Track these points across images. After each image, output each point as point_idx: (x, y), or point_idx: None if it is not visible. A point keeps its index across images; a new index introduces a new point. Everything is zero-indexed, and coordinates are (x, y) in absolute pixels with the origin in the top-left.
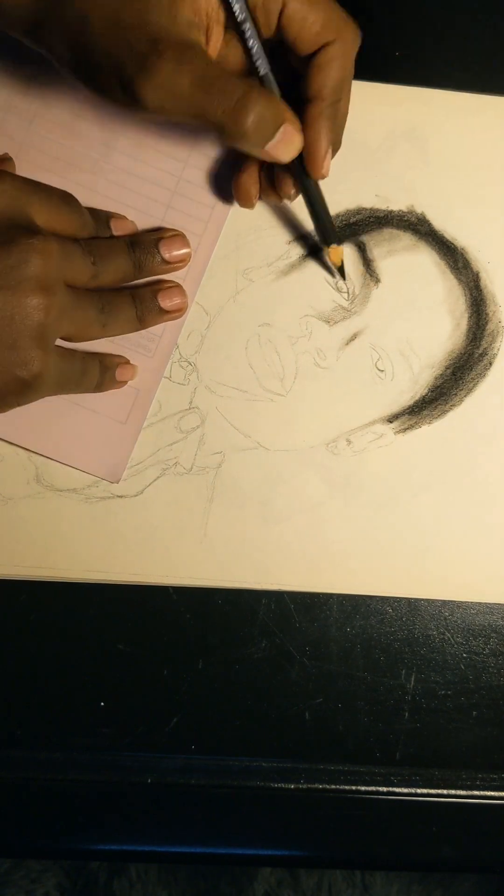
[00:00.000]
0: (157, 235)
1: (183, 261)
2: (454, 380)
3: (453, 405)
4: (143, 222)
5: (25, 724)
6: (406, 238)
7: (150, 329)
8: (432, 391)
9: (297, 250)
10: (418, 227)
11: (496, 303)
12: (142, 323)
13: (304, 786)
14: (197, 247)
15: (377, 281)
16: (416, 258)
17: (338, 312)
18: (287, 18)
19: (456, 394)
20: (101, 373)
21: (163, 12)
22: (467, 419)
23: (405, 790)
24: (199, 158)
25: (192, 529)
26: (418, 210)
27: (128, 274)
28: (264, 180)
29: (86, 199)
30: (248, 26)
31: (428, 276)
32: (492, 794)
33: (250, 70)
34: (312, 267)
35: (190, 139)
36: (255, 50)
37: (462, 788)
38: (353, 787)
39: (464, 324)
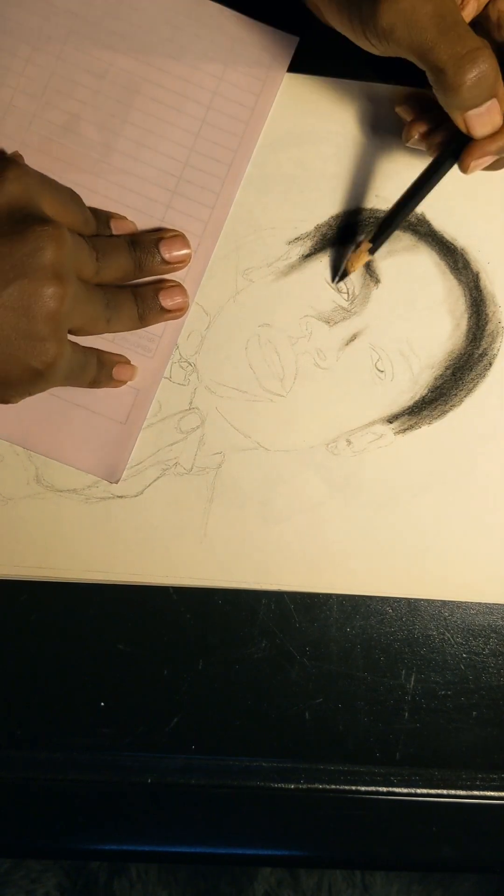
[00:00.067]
0: (157, 235)
1: (183, 261)
2: (454, 380)
3: (453, 405)
4: (143, 222)
5: (25, 724)
6: (406, 238)
7: (150, 329)
8: (432, 391)
9: (296, 251)
10: (418, 228)
11: (496, 303)
12: (143, 321)
13: (304, 786)
14: (197, 247)
15: (377, 281)
16: (415, 258)
17: (338, 313)
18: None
19: (456, 394)
20: (98, 368)
21: None
22: (467, 419)
23: (405, 790)
24: (200, 159)
25: (192, 529)
26: (418, 210)
27: (128, 272)
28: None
29: (86, 199)
30: None
31: (428, 277)
32: (492, 794)
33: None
34: (312, 267)
35: (190, 139)
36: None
37: (462, 788)
38: (353, 787)
39: (464, 324)
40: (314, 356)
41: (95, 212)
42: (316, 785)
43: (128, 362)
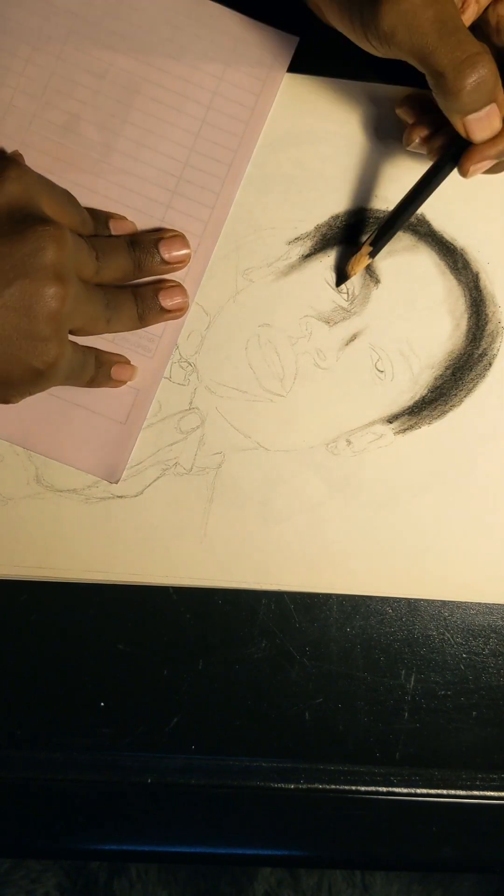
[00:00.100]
0: (156, 236)
1: (182, 261)
2: (454, 380)
3: (453, 406)
4: (143, 222)
5: (25, 724)
6: (406, 238)
7: (150, 329)
8: (432, 391)
9: (296, 251)
10: (418, 228)
11: (496, 303)
12: (142, 321)
13: (304, 786)
14: (197, 247)
15: (377, 281)
16: (415, 259)
17: (337, 313)
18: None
19: (456, 394)
20: (96, 368)
21: None
22: (467, 420)
23: (405, 790)
24: (200, 159)
25: (192, 529)
26: (418, 211)
27: (128, 273)
28: (419, 127)
29: (86, 199)
30: None
31: (428, 277)
32: (492, 794)
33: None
34: (312, 267)
35: (190, 139)
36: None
37: (462, 788)
38: (353, 787)
39: (463, 324)
40: (314, 356)
41: (94, 212)
42: (316, 785)
43: (127, 362)
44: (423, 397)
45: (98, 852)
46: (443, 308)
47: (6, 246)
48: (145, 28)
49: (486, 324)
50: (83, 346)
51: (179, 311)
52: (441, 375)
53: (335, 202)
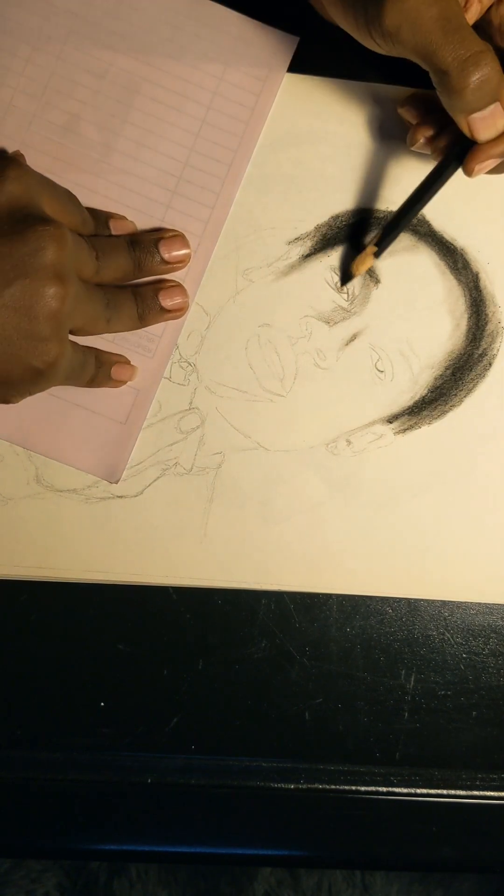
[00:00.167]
0: (156, 235)
1: (182, 261)
2: (454, 380)
3: (453, 406)
4: (143, 222)
5: (25, 724)
6: (406, 238)
7: (150, 329)
8: (432, 392)
9: (296, 251)
10: (418, 228)
11: (496, 303)
12: (143, 321)
13: (304, 786)
14: (197, 247)
15: (377, 281)
16: (415, 259)
17: (337, 313)
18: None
19: (455, 394)
20: (96, 367)
21: None
22: (467, 420)
23: (405, 790)
24: (200, 159)
25: (192, 529)
26: None
27: (128, 272)
28: (423, 128)
29: (86, 199)
30: None
31: (428, 277)
32: (492, 794)
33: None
34: (312, 267)
35: (190, 139)
36: None
37: (462, 788)
38: (353, 787)
39: (463, 324)
40: (314, 356)
41: (94, 212)
42: (316, 785)
43: (127, 362)
44: (423, 397)
45: (98, 852)
46: (443, 308)
47: (6, 245)
48: (145, 28)
49: (486, 324)
50: (83, 346)
51: (179, 311)
52: (441, 375)
53: (335, 202)
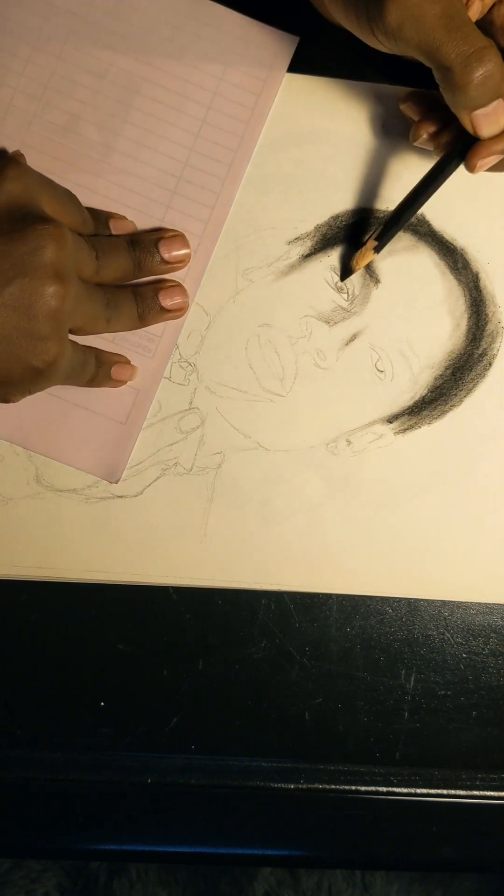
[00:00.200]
0: (156, 235)
1: (182, 261)
2: (454, 380)
3: (453, 405)
4: (143, 222)
5: (25, 724)
6: (406, 238)
7: (150, 329)
8: (432, 391)
9: (296, 251)
10: (418, 228)
11: (496, 303)
12: (142, 321)
13: (304, 786)
14: (197, 247)
15: (377, 281)
16: (415, 258)
17: (337, 313)
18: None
19: (455, 394)
20: (96, 367)
21: None
22: (467, 420)
23: (405, 790)
24: (200, 159)
25: (192, 529)
26: (418, 210)
27: (128, 272)
28: (426, 124)
29: (86, 199)
30: None
31: (428, 277)
32: (492, 794)
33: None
34: (312, 267)
35: (190, 139)
36: None
37: (462, 788)
38: (353, 787)
39: (463, 324)
40: (314, 356)
41: (94, 212)
42: (316, 785)
43: (127, 362)
44: (423, 397)
45: (98, 852)
46: (443, 308)
47: (6, 245)
48: (145, 28)
49: (486, 324)
50: (83, 345)
51: (179, 310)
52: (441, 375)
53: (335, 202)
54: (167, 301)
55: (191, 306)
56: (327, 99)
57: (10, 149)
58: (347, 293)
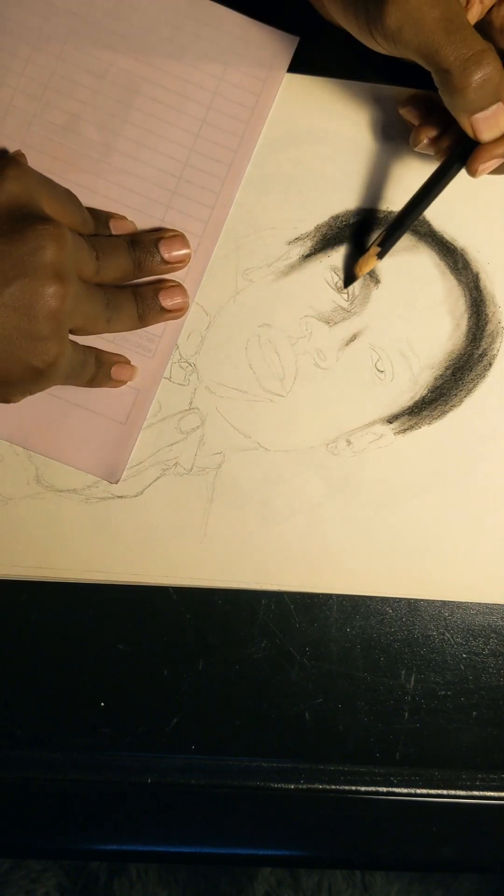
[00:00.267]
0: (156, 235)
1: (182, 261)
2: (454, 380)
3: (453, 406)
4: (143, 222)
5: (25, 724)
6: (406, 239)
7: (150, 329)
8: (432, 392)
9: (296, 251)
10: (418, 228)
11: (496, 303)
12: (143, 321)
13: (304, 786)
14: (197, 247)
15: (377, 281)
16: (415, 259)
17: (338, 313)
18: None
19: (456, 394)
20: (96, 367)
21: None
22: (467, 420)
23: (405, 790)
24: (200, 159)
25: (192, 529)
26: None
27: (128, 272)
28: (425, 128)
29: (86, 199)
30: None
31: (428, 277)
32: (492, 794)
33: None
34: (312, 267)
35: (190, 139)
36: None
37: (462, 788)
38: (353, 787)
39: (463, 324)
40: (314, 356)
41: (95, 212)
42: (316, 785)
43: (127, 362)
44: (423, 397)
45: (98, 852)
46: (443, 308)
47: (6, 245)
48: (145, 28)
49: (486, 324)
50: (83, 345)
51: (179, 311)
52: (441, 375)
53: (335, 202)
54: (167, 301)
55: (191, 306)
56: (327, 99)
57: (11, 149)
58: (347, 293)
